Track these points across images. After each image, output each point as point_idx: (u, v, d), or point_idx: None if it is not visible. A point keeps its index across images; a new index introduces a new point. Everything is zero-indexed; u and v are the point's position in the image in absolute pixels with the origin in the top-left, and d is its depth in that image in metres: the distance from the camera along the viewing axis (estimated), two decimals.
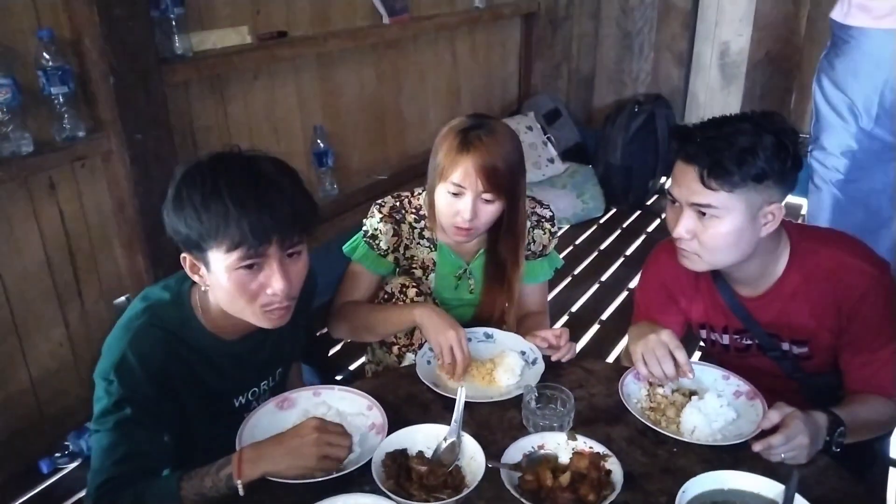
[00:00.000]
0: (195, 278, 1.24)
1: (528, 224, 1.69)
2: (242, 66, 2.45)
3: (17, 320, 1.93)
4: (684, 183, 1.32)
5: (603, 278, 3.28)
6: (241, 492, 1.13)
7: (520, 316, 1.77)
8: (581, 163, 4.10)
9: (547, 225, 1.73)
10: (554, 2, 4.28)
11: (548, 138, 4.01)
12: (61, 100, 1.87)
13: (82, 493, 1.92)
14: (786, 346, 1.48)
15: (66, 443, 2.00)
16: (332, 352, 2.55)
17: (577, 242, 3.61)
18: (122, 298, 2.16)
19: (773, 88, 3.93)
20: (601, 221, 3.89)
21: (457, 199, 1.53)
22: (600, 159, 3.97)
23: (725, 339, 1.55)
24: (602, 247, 3.59)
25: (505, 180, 1.52)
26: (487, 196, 1.52)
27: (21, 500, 1.95)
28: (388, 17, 3.08)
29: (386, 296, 1.67)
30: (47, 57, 1.82)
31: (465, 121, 1.56)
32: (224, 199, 1.12)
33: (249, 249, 1.14)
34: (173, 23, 2.18)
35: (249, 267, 1.17)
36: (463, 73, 3.81)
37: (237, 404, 1.38)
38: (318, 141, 2.83)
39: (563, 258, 3.35)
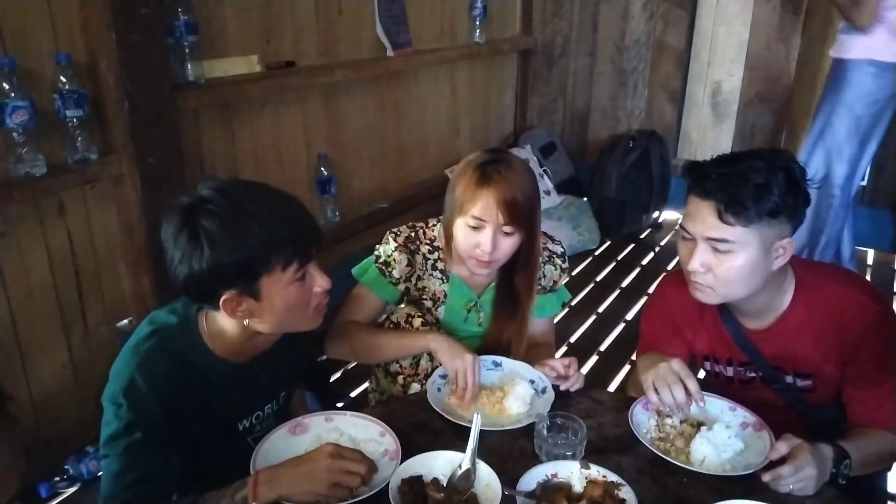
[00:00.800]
0: (235, 316, 1.24)
1: (541, 260, 1.71)
2: (251, 93, 2.49)
3: (20, 341, 1.92)
4: (699, 218, 1.34)
5: (600, 310, 3.31)
6: None
7: (526, 347, 1.79)
8: (576, 195, 4.16)
9: (558, 261, 1.75)
10: (551, 39, 4.38)
11: (544, 171, 4.07)
12: (75, 123, 1.89)
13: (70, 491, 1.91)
14: (790, 378, 1.50)
15: (66, 466, 1.97)
16: (333, 378, 2.55)
17: (574, 274, 3.64)
18: (125, 321, 2.15)
19: (764, 127, 4.02)
20: (596, 253, 3.92)
21: (477, 233, 1.54)
22: (595, 192, 4.03)
23: (730, 372, 1.57)
24: (598, 278, 3.62)
25: (524, 213, 1.54)
26: (507, 229, 1.54)
27: None
28: (392, 51, 3.14)
29: (391, 325, 1.68)
30: (63, 80, 1.85)
31: (483, 155, 1.58)
32: (266, 221, 1.17)
33: (301, 260, 1.22)
34: (186, 50, 2.22)
35: (301, 278, 1.24)
36: (462, 105, 3.88)
37: (241, 428, 1.39)
38: (322, 168, 2.86)
39: None
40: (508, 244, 1.56)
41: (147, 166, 2.00)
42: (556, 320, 2.87)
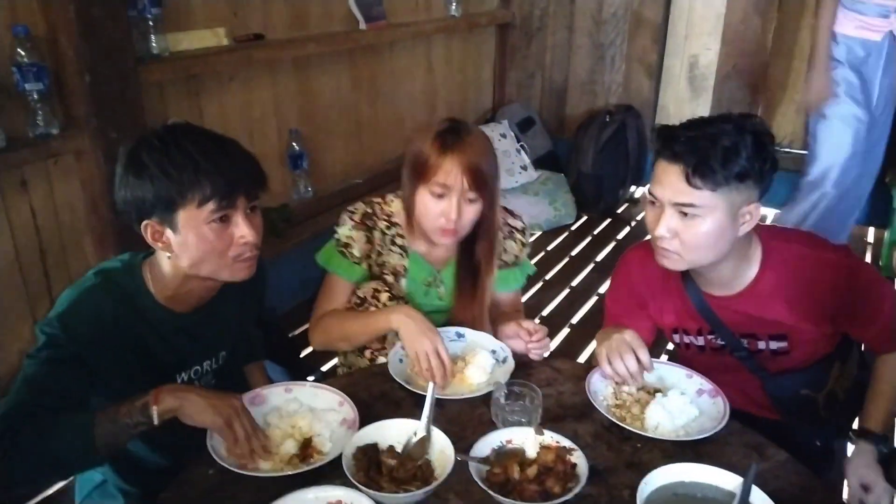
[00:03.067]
0: (157, 246, 1.26)
1: (501, 234, 1.71)
2: (218, 67, 2.47)
3: None
4: (667, 182, 1.33)
5: (573, 283, 3.35)
6: (155, 420, 1.16)
7: (496, 318, 1.80)
8: (553, 171, 4.17)
9: (519, 235, 1.75)
10: (529, 12, 4.37)
11: (521, 146, 4.08)
12: (35, 97, 1.87)
13: (50, 492, 1.92)
14: (762, 344, 1.52)
15: None
16: (304, 353, 2.56)
17: (549, 248, 3.68)
18: None
19: (741, 101, 4.04)
20: (573, 228, 3.96)
21: (441, 201, 1.54)
22: (572, 168, 4.05)
23: (701, 341, 1.59)
24: (573, 253, 3.66)
25: (487, 179, 1.54)
26: (471, 195, 1.54)
27: None
28: (365, 23, 3.12)
29: (358, 300, 1.68)
30: (22, 53, 1.83)
31: (442, 123, 1.58)
32: (193, 156, 1.19)
33: (221, 202, 1.22)
34: (150, 23, 2.20)
35: (220, 220, 1.24)
36: (439, 80, 3.87)
37: (179, 380, 1.40)
38: (294, 144, 2.85)
39: (536, 263, 3.39)
40: (472, 211, 1.57)
41: (110, 140, 1.99)
42: (529, 294, 2.89)
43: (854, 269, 1.45)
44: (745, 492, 1.10)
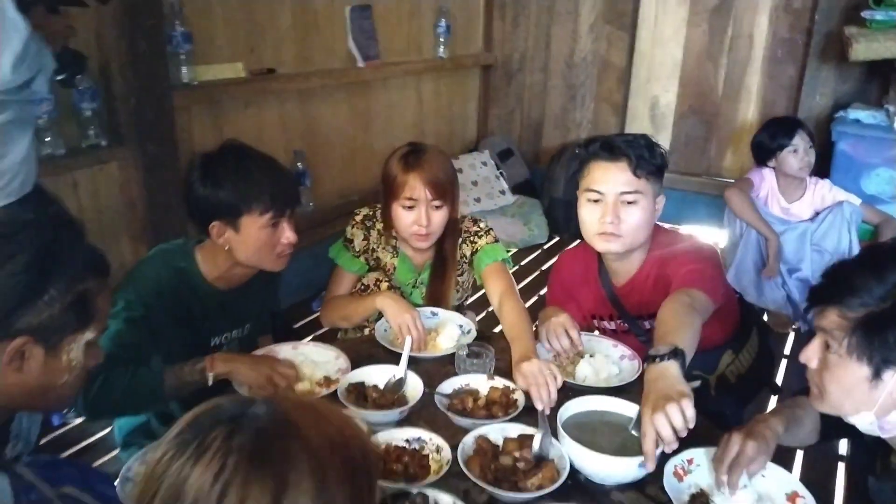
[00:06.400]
0: (219, 241, 1.62)
1: (459, 239, 2.00)
2: (236, 95, 2.87)
3: None
4: (611, 178, 1.66)
5: (542, 292, 3.70)
6: (209, 381, 1.52)
7: (496, 307, 1.96)
8: (530, 196, 4.55)
9: (483, 226, 2.05)
10: (509, 56, 4.76)
11: (500, 173, 4.48)
12: (89, 114, 2.26)
13: (87, 442, 2.25)
14: (647, 324, 1.82)
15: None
16: (296, 326, 2.91)
17: (523, 263, 4.03)
18: None
19: (697, 137, 4.42)
20: (545, 247, 4.31)
21: (411, 212, 1.86)
22: (545, 193, 4.42)
23: (613, 325, 1.91)
24: (544, 267, 4.00)
25: (446, 188, 1.87)
26: (436, 203, 1.86)
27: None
28: (363, 61, 3.52)
29: (362, 287, 2.01)
30: (80, 78, 2.21)
31: (405, 147, 1.92)
32: (256, 175, 1.56)
33: (276, 211, 1.59)
34: (182, 56, 2.60)
35: (273, 225, 1.60)
36: (427, 113, 4.25)
37: (213, 343, 1.75)
38: (298, 163, 3.23)
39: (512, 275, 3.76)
40: (439, 216, 1.89)
41: (147, 153, 2.38)
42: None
43: (691, 239, 1.76)
44: (640, 415, 1.33)
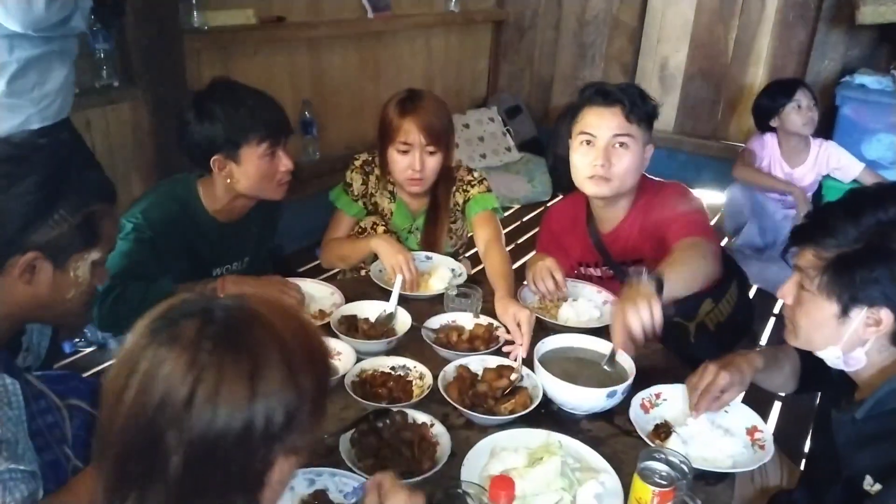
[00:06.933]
0: (221, 175, 1.70)
1: (453, 187, 2.06)
2: (246, 42, 2.93)
3: None
4: (604, 122, 1.71)
5: None
6: None
7: (482, 254, 2.03)
8: (536, 154, 4.59)
9: (477, 175, 2.11)
10: (521, 12, 4.76)
11: (507, 130, 4.51)
12: (102, 55, 2.34)
13: (97, 369, 2.38)
14: (631, 270, 1.82)
15: (85, 331, 2.44)
16: (300, 270, 3.00)
17: (525, 219, 4.11)
18: None
19: (704, 100, 4.43)
20: (548, 204, 4.38)
21: (406, 156, 1.92)
22: (550, 151, 4.47)
23: (598, 272, 1.98)
24: None
25: (441, 134, 1.93)
26: (430, 148, 1.92)
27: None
28: (373, 13, 3.55)
29: (360, 229, 2.08)
30: (94, 18, 2.27)
31: (403, 93, 1.97)
32: (251, 107, 1.64)
33: (273, 140, 1.67)
34: (193, 1, 2.66)
35: (271, 154, 1.68)
36: (437, 67, 4.28)
37: (215, 273, 1.85)
38: (306, 112, 3.30)
39: (513, 231, 3.85)
40: (433, 162, 1.95)
41: (158, 94, 2.45)
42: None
43: (678, 187, 1.83)
44: (613, 352, 1.46)
